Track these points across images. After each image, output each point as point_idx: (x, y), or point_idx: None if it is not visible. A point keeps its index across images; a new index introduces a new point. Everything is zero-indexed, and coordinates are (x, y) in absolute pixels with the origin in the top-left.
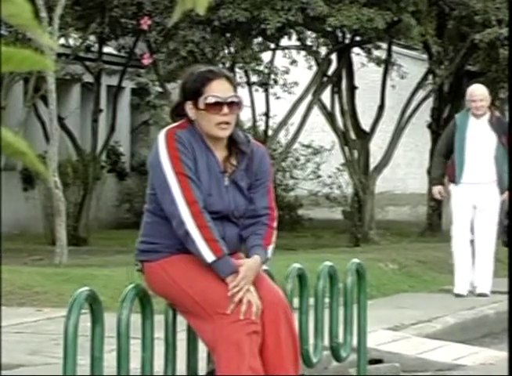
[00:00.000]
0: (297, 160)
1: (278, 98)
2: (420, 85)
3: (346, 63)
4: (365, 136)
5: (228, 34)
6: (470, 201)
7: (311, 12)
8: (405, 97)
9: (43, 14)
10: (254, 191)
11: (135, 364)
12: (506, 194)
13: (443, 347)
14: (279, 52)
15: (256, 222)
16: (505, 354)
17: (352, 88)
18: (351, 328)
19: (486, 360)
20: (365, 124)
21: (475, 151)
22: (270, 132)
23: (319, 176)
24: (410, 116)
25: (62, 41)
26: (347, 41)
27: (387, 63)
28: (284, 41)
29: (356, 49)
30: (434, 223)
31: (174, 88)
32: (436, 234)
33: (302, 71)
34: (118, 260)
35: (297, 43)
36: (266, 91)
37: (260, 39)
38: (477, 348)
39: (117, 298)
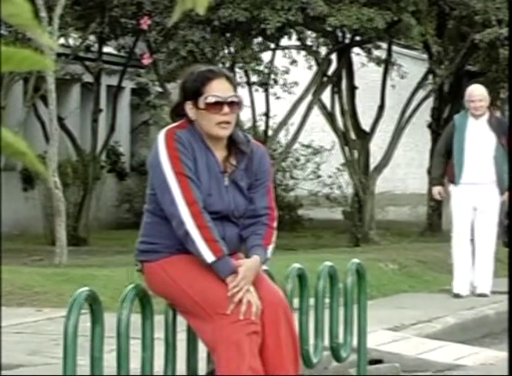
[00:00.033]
0: (297, 160)
1: (278, 98)
2: (420, 85)
3: (346, 62)
4: (365, 136)
5: (228, 34)
6: (470, 202)
7: (311, 11)
8: (405, 97)
9: (43, 14)
10: (254, 191)
11: (134, 364)
12: (506, 195)
13: (443, 347)
14: (279, 52)
15: (256, 222)
16: (505, 354)
17: (352, 88)
18: (351, 328)
19: (486, 360)
20: (366, 124)
21: (474, 152)
22: (270, 132)
23: (319, 176)
24: (410, 116)
25: (62, 40)
26: (347, 40)
27: (387, 63)
28: (284, 41)
29: (356, 49)
30: (434, 223)
31: (174, 88)
32: (436, 234)
33: (302, 71)
34: (118, 260)
35: (297, 43)
36: (266, 91)
37: (260, 39)
38: (477, 348)
39: (117, 299)
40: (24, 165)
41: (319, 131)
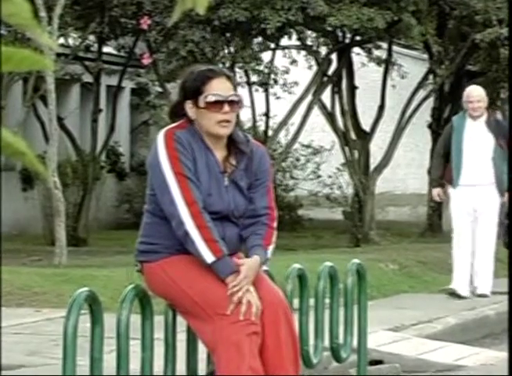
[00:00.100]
0: (297, 160)
1: (278, 98)
2: (420, 85)
3: (346, 62)
4: (365, 136)
5: (228, 34)
6: (470, 204)
7: (312, 11)
8: (405, 97)
9: (42, 13)
10: (254, 191)
11: (134, 365)
12: (506, 197)
13: (443, 348)
14: (279, 52)
15: (256, 222)
16: (505, 355)
17: (352, 88)
18: (351, 329)
19: (487, 361)
20: (366, 124)
21: (473, 153)
22: (270, 132)
23: (319, 176)
24: (411, 116)
25: (61, 40)
26: (347, 40)
27: (387, 63)
28: (284, 41)
29: (356, 49)
30: (435, 224)
31: (174, 88)
32: (436, 235)
33: (302, 71)
34: (118, 260)
35: (297, 43)
36: (266, 91)
37: (260, 39)
38: (477, 348)
39: (117, 299)
40: (24, 165)
41: (319, 131)
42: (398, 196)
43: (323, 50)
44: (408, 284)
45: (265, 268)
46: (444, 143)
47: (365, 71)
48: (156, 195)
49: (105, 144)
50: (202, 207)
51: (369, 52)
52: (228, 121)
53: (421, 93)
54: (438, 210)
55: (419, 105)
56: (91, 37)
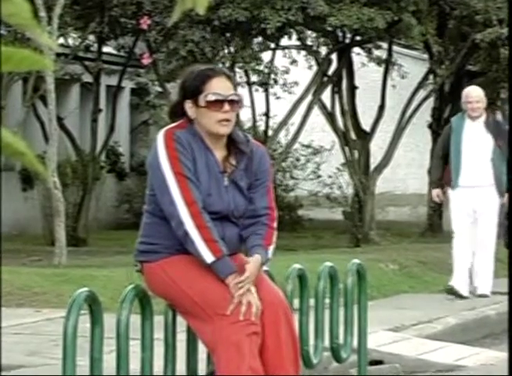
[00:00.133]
0: (297, 160)
1: (278, 98)
2: (420, 85)
3: (346, 62)
4: (365, 136)
5: (228, 34)
6: (469, 205)
7: (312, 11)
8: (405, 97)
9: (42, 13)
10: (254, 191)
11: (134, 365)
12: (506, 197)
13: (444, 348)
14: (279, 52)
15: (256, 222)
16: (506, 355)
17: (353, 88)
18: (351, 329)
19: (487, 361)
20: (366, 124)
21: (472, 154)
22: (270, 132)
23: (319, 176)
24: (411, 116)
25: (61, 40)
26: (347, 40)
27: (387, 63)
28: (284, 41)
29: (356, 49)
30: (435, 224)
31: (174, 88)
32: (436, 235)
33: (302, 71)
34: (118, 261)
35: (298, 43)
36: (266, 91)
37: (260, 39)
38: (477, 348)
39: (117, 299)
40: (23, 165)
41: (319, 131)
42: (398, 196)
43: (323, 50)
44: (408, 284)
45: (265, 268)
46: (443, 145)
47: (366, 71)
48: (156, 195)
49: (105, 144)
50: (202, 207)
51: (369, 52)
52: (228, 120)
53: (421, 93)
54: (438, 210)
55: (419, 105)
56: (91, 37)
